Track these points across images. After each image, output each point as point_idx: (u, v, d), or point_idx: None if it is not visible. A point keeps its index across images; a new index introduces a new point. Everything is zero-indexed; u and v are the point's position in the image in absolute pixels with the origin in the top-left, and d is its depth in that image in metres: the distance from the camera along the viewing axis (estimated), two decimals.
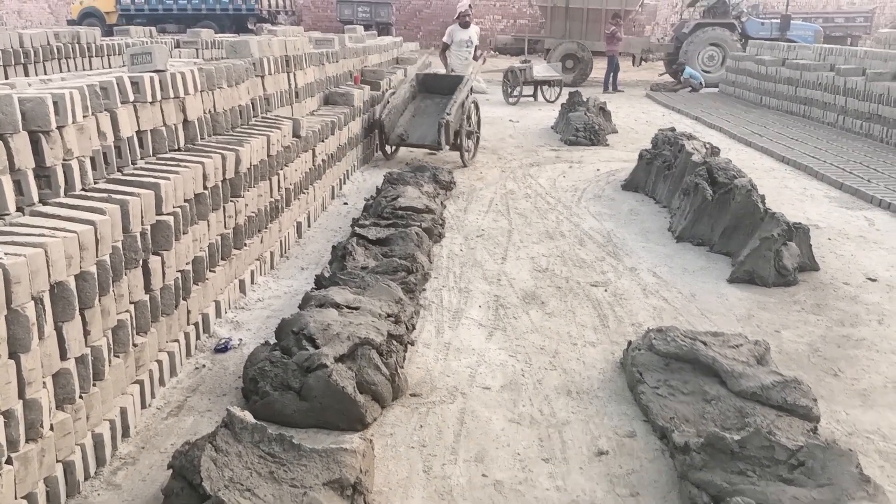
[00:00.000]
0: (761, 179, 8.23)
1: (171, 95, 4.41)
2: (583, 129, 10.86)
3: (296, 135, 6.14)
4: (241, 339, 4.28)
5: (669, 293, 5.11)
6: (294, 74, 7.12)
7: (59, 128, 3.24)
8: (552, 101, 15.41)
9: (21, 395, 2.57)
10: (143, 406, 3.48)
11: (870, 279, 5.41)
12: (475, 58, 10.64)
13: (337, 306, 4.06)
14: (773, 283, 5.25)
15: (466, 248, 6.03)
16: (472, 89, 9.39)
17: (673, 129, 8.56)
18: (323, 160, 7.05)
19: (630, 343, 4.01)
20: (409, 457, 3.20)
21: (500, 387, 3.81)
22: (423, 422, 3.47)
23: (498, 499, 2.93)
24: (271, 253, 5.51)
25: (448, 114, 8.67)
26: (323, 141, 7.01)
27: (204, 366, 3.97)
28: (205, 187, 4.24)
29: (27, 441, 2.60)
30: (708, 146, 7.80)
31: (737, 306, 4.91)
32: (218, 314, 4.49)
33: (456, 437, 3.35)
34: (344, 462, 2.73)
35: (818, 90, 12.74)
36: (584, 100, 12.09)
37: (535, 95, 15.78)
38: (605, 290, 5.13)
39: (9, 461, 2.51)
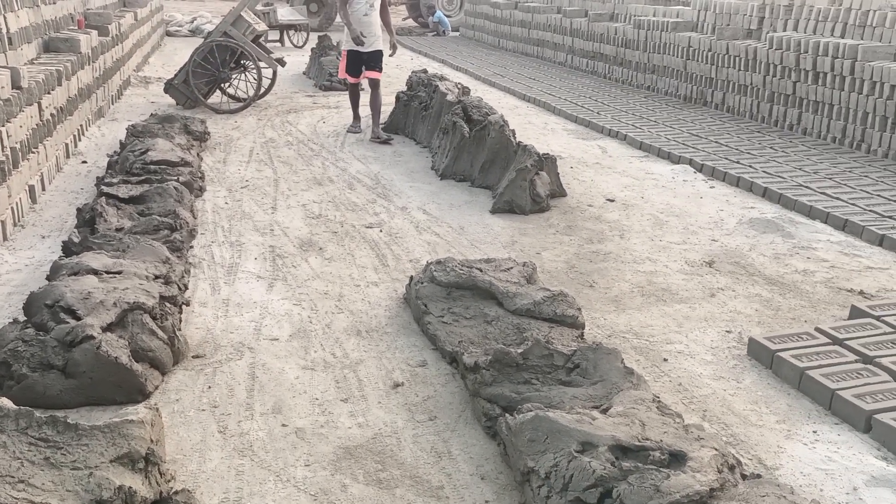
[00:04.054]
0: (507, 117, 8.68)
1: None
2: (336, 73, 10.73)
3: (16, 86, 5.37)
4: None
5: (440, 228, 5.30)
6: (4, 17, 6.17)
7: None
8: (300, 46, 15.04)
9: None
10: None
11: (609, 200, 6.03)
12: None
13: (95, 273, 3.67)
14: (530, 211, 5.66)
15: (232, 200, 5.75)
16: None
17: (425, 72, 8.77)
18: (52, 114, 6.26)
19: (412, 278, 4.12)
20: (201, 420, 3.03)
21: (289, 336, 3.72)
22: (210, 382, 3.30)
23: (301, 445, 2.89)
24: (2, 222, 4.83)
25: (174, 77, 8.94)
26: (49, 93, 6.21)
27: None
28: None
29: None
30: (460, 86, 8.10)
31: (501, 234, 5.23)
32: None
33: (249, 392, 3.24)
34: (131, 434, 2.51)
35: (548, 31, 13.75)
36: (335, 44, 11.93)
37: (281, 40, 15.28)
38: (381, 231, 5.19)
39: None
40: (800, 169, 6.65)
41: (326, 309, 4.01)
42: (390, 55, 8.01)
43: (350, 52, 7.76)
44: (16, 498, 2.20)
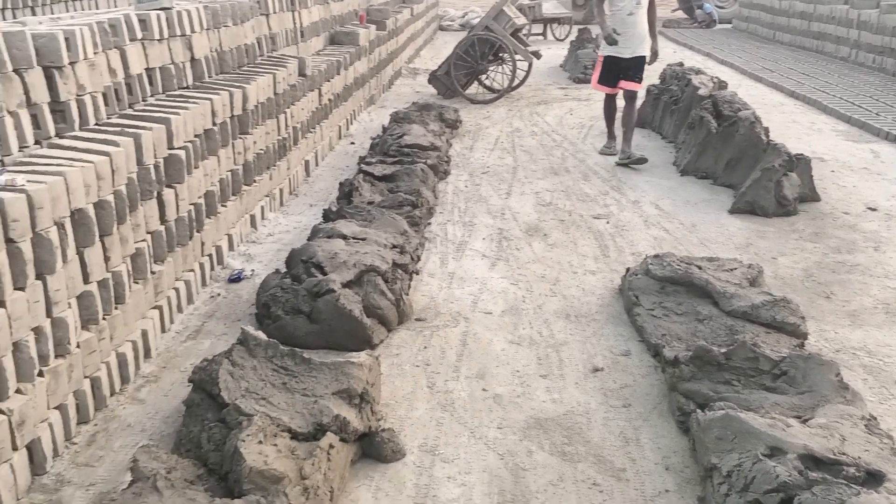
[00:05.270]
0: (770, 114, 8.22)
1: (179, 33, 4.49)
2: (591, 66, 10.78)
3: (301, 74, 6.20)
4: (253, 270, 4.45)
5: (671, 224, 5.22)
6: (299, 13, 7.14)
7: (71, 63, 3.35)
8: (562, 40, 15.26)
9: (49, 313, 2.75)
10: (163, 330, 3.67)
11: (870, 209, 5.48)
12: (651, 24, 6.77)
13: (344, 237, 4.20)
14: (774, 213, 5.33)
15: (472, 184, 6.14)
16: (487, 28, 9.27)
17: (681, 65, 8.52)
18: (329, 100, 7.12)
19: (628, 269, 4.15)
20: (414, 374, 3.38)
21: (502, 312, 3.97)
22: (427, 343, 3.64)
23: (496, 409, 3.12)
24: (280, 190, 5.65)
25: (437, 69, 9.57)
26: (329, 80, 7.06)
27: (219, 294, 4.15)
28: (213, 123, 4.35)
29: (56, 356, 2.79)
30: (715, 80, 7.78)
31: (736, 235, 5.02)
32: (231, 247, 4.65)
33: (458, 356, 3.53)
34: (351, 374, 2.91)
35: (831, 24, 12.53)
36: (594, 37, 11.97)
37: (544, 34, 15.62)
38: (607, 222, 5.24)
39: (41, 374, 2.71)
40: None
41: (541, 291, 4.19)
42: (649, 63, 6.73)
43: (607, 59, 6.66)
44: (257, 410, 2.68)
